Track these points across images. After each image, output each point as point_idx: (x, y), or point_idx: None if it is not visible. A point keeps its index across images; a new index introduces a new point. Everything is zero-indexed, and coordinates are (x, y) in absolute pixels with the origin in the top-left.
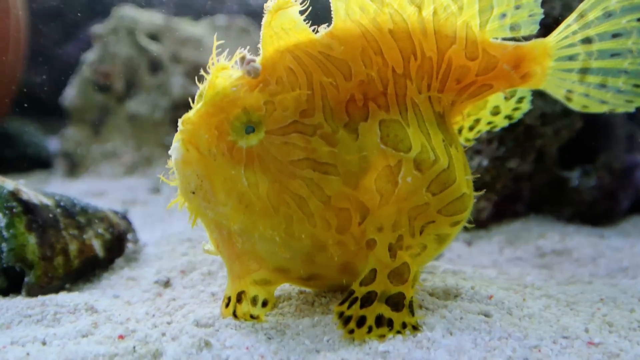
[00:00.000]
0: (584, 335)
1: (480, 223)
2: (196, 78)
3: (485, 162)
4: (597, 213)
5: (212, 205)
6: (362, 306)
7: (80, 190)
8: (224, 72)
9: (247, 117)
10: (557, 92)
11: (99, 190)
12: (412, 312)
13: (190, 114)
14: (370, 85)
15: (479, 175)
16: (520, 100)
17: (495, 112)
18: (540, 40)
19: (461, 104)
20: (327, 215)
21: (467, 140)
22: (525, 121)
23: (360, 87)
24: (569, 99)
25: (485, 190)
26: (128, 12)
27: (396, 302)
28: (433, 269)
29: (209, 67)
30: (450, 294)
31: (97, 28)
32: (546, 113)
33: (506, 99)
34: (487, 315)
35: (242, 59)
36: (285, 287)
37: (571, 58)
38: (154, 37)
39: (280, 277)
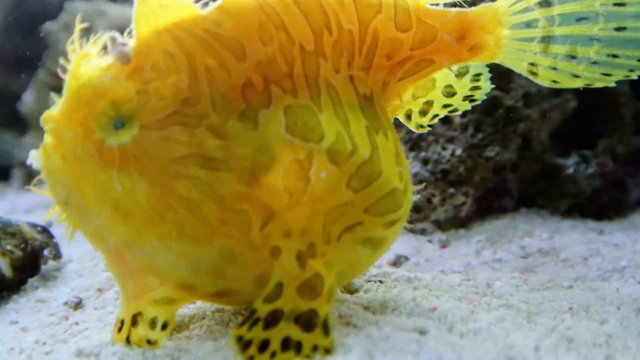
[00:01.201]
0: (532, 355)
1: (460, 221)
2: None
3: (459, 152)
4: (600, 205)
5: (87, 217)
6: (265, 327)
7: (32, 202)
8: (89, 60)
9: (114, 111)
10: (519, 66)
11: (51, 202)
12: (326, 332)
13: (52, 111)
14: (271, 66)
15: (406, 162)
16: (476, 77)
17: (450, 92)
18: (489, 5)
19: (397, 84)
20: (224, 217)
21: (421, 126)
22: (505, 102)
23: (259, 69)
24: (533, 74)
25: (460, 184)
26: (81, 6)
27: (307, 321)
28: (384, 277)
29: (70, 56)
30: (387, 307)
31: (49, 25)
32: (530, 92)
33: (457, 76)
34: (422, 332)
35: (112, 42)
36: (200, 305)
37: (529, 25)
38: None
39: (185, 295)
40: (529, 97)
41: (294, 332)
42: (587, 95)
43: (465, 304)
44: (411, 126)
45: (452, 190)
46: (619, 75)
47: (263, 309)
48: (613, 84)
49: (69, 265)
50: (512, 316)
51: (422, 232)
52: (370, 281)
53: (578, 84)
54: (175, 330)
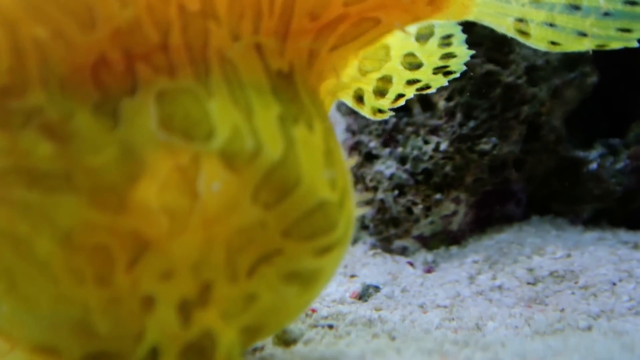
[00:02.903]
0: None
1: (451, 236)
2: None
3: (444, 145)
4: (635, 210)
5: None
6: None
7: None
8: None
9: None
10: (502, 24)
11: None
12: None
13: None
14: (134, 36)
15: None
16: (446, 40)
17: (413, 63)
18: None
19: (331, 53)
20: (73, 262)
21: (379, 111)
22: (503, 79)
23: (116, 40)
24: (523, 33)
25: (448, 188)
26: None
27: None
28: (337, 319)
29: None
30: None
31: None
32: (535, 65)
33: (419, 41)
34: None
35: None
36: None
37: None
38: None
39: None
40: (535, 72)
41: None
42: (612, 66)
43: None
44: (365, 111)
45: (438, 196)
46: None
47: None
48: (635, 44)
49: None
50: None
51: (402, 251)
52: (317, 326)
53: (586, 45)
54: None
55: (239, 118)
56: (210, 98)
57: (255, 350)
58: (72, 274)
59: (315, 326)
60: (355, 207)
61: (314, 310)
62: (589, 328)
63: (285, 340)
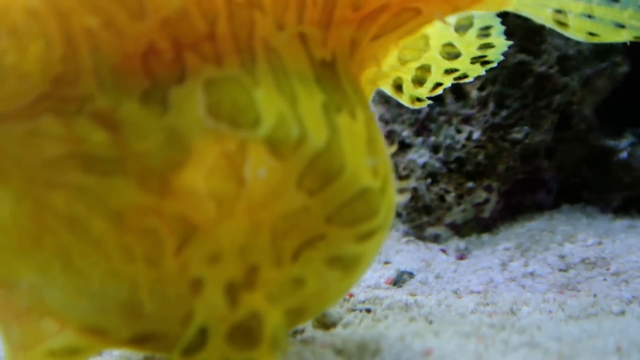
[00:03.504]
0: None
1: (482, 224)
2: None
3: (476, 134)
4: None
5: None
6: None
7: None
8: None
9: None
10: (540, 14)
11: None
12: None
13: None
14: (183, 25)
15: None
16: (484, 31)
17: (452, 53)
18: None
19: (372, 43)
20: (124, 240)
21: (418, 99)
22: (535, 69)
23: (165, 30)
24: (562, 24)
25: (480, 177)
26: None
27: None
28: (374, 303)
29: None
30: (367, 350)
31: None
32: (567, 55)
33: (458, 32)
34: None
35: None
36: (125, 354)
37: None
38: None
39: (95, 342)
40: (566, 62)
41: None
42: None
43: (473, 342)
44: (403, 100)
45: (470, 184)
46: None
47: None
48: None
49: None
50: None
51: (435, 239)
52: (355, 310)
53: (625, 36)
54: None
55: (284, 106)
56: (256, 86)
57: (295, 332)
58: (123, 252)
59: (353, 310)
60: (395, 195)
61: (351, 295)
62: (622, 313)
63: (325, 324)
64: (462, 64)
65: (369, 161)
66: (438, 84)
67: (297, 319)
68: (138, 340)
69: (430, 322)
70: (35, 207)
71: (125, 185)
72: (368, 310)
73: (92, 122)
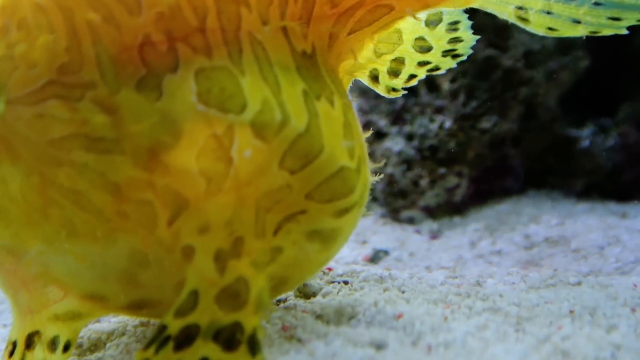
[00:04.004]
0: None
1: (454, 207)
2: None
3: (448, 123)
4: (623, 184)
5: None
6: (177, 348)
7: None
8: None
9: None
10: (503, 11)
11: None
12: (253, 351)
13: None
14: (176, 19)
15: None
16: (453, 26)
17: (424, 47)
18: None
19: (349, 37)
20: (122, 208)
21: (394, 89)
22: (503, 63)
23: (160, 23)
24: (523, 19)
25: (451, 163)
26: None
27: (229, 337)
28: (352, 276)
29: None
30: (344, 314)
31: None
32: (533, 50)
33: (428, 26)
34: (380, 346)
35: None
36: (123, 319)
37: None
38: None
39: (95, 307)
40: (532, 56)
41: (213, 352)
42: (603, 50)
43: (441, 308)
44: (380, 90)
45: (442, 170)
46: (631, 18)
47: (174, 325)
48: (624, 31)
49: None
50: (497, 323)
51: (410, 221)
52: (333, 282)
53: (580, 31)
54: (89, 350)
55: (268, 93)
56: (243, 75)
57: (279, 301)
58: (122, 218)
59: (332, 282)
60: (370, 174)
61: (330, 269)
62: (579, 283)
63: (306, 293)
64: (434, 57)
65: (345, 143)
66: (412, 76)
67: (281, 288)
68: (135, 307)
69: (403, 292)
70: (42, 183)
71: (123, 161)
72: (346, 282)
73: (94, 106)
